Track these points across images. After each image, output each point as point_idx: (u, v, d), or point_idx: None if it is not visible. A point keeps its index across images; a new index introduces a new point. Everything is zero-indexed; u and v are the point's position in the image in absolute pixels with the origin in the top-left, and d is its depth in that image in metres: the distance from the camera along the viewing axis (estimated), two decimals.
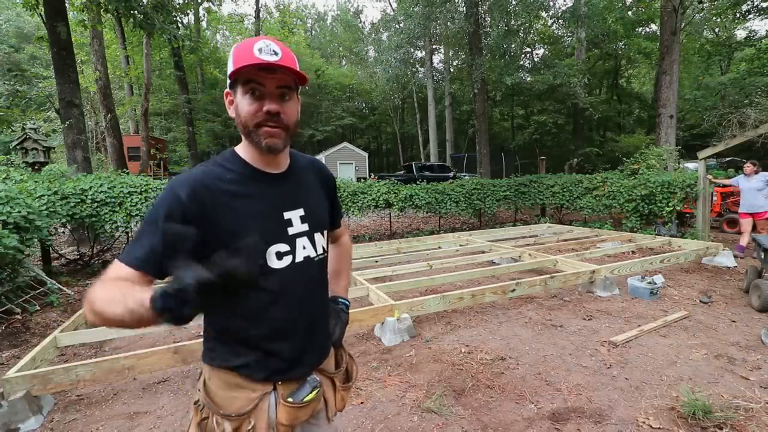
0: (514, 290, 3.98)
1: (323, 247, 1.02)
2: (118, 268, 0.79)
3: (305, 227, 0.96)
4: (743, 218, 5.99)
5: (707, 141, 12.20)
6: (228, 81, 0.90)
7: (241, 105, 0.87)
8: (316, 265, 0.99)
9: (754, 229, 5.90)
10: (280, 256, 0.90)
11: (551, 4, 13.16)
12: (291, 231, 0.93)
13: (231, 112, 0.91)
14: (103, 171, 13.64)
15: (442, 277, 4.48)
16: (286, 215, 0.93)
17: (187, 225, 0.75)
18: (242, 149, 0.94)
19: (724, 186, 7.48)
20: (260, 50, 0.83)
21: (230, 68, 0.86)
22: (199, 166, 0.90)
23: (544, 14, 14.21)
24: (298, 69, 0.87)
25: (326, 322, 1.06)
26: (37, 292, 4.27)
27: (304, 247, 0.95)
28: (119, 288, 0.73)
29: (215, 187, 0.86)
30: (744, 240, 5.91)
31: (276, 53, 0.84)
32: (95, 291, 0.73)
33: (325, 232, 1.04)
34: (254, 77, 0.85)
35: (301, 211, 0.95)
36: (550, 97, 21.24)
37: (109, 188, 5.89)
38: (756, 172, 5.87)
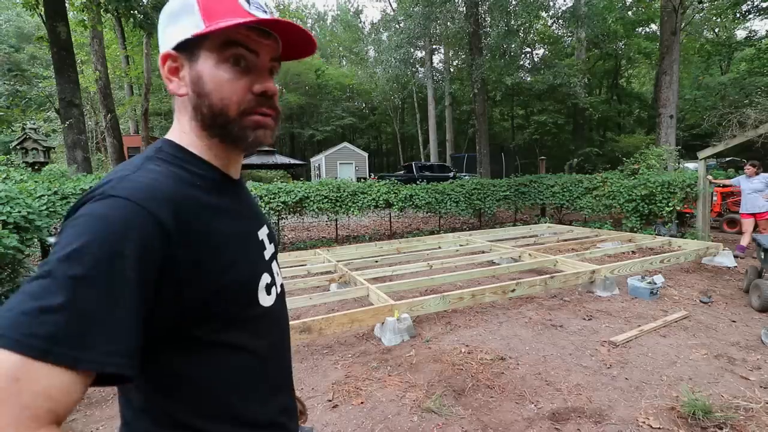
0: (514, 290, 3.98)
1: None
2: (43, 378, 0.40)
3: (272, 248, 0.73)
4: (745, 218, 6.00)
5: (707, 141, 12.21)
6: (172, 40, 0.59)
7: (214, 78, 0.58)
8: (284, 292, 0.77)
9: (756, 229, 5.91)
10: (268, 289, 0.66)
11: (551, 4, 13.17)
12: (266, 255, 0.69)
13: (179, 88, 0.60)
14: (103, 171, 13.65)
15: (442, 277, 4.48)
16: (259, 234, 0.69)
17: (167, 262, 0.50)
18: (193, 144, 0.62)
19: (725, 186, 7.49)
20: (248, 1, 0.58)
21: (188, 18, 0.57)
22: (145, 167, 0.56)
23: (544, 14, 14.19)
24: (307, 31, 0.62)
25: None
26: None
27: (277, 274, 0.72)
28: None
29: (193, 200, 0.56)
30: (745, 240, 5.92)
31: (266, 11, 0.60)
32: None
33: None
34: (244, 41, 0.58)
35: (265, 229, 0.72)
36: (550, 97, 21.22)
37: None
38: (757, 173, 5.88)
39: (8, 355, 0.39)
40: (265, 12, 0.59)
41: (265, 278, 0.66)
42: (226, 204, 0.62)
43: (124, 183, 0.51)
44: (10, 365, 0.39)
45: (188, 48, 0.58)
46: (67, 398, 0.42)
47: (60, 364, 0.40)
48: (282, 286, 0.75)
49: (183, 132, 0.63)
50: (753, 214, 5.87)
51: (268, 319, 0.66)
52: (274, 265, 0.72)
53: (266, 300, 0.65)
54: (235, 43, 0.58)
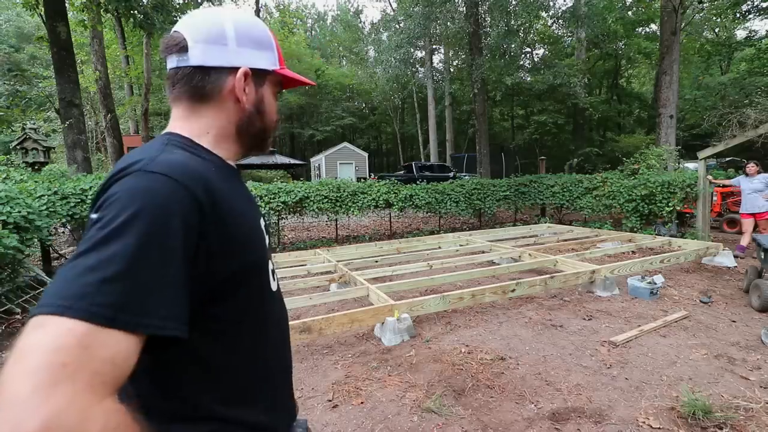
0: (514, 290, 3.98)
1: None
2: (110, 343, 0.42)
3: (268, 239, 0.76)
4: (745, 218, 5.99)
5: (707, 141, 12.20)
6: (252, 62, 0.69)
7: (270, 103, 0.73)
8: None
9: (756, 229, 5.90)
10: (273, 274, 0.73)
11: (551, 4, 13.16)
12: (266, 243, 0.73)
13: (246, 100, 0.69)
14: (103, 171, 13.65)
15: (442, 277, 4.48)
16: (261, 223, 0.73)
17: (201, 238, 0.53)
18: (203, 137, 0.67)
19: (725, 186, 7.49)
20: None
21: (270, 53, 0.72)
22: (170, 150, 0.59)
23: (544, 14, 14.18)
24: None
25: None
26: (37, 292, 4.27)
27: (275, 263, 0.81)
28: None
29: (215, 181, 0.59)
30: (745, 240, 5.91)
31: None
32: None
33: None
34: (286, 87, 0.79)
35: (262, 219, 0.75)
36: (550, 97, 21.22)
37: None
38: (758, 173, 5.87)
39: (78, 324, 0.41)
40: None
41: (270, 264, 0.72)
42: (238, 189, 0.68)
43: (158, 161, 0.54)
44: (80, 334, 0.40)
45: (259, 74, 0.71)
46: (127, 364, 0.44)
47: (124, 329, 0.43)
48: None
49: (196, 128, 0.67)
50: (753, 214, 5.86)
51: (277, 302, 0.73)
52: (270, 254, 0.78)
53: (273, 284, 0.72)
54: (281, 84, 0.77)
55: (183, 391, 0.58)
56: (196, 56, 0.65)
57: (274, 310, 0.71)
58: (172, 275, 0.48)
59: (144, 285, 0.45)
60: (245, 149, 0.74)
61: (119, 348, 0.43)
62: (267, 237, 0.76)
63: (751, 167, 5.93)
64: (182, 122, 0.67)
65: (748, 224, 5.94)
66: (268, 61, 0.71)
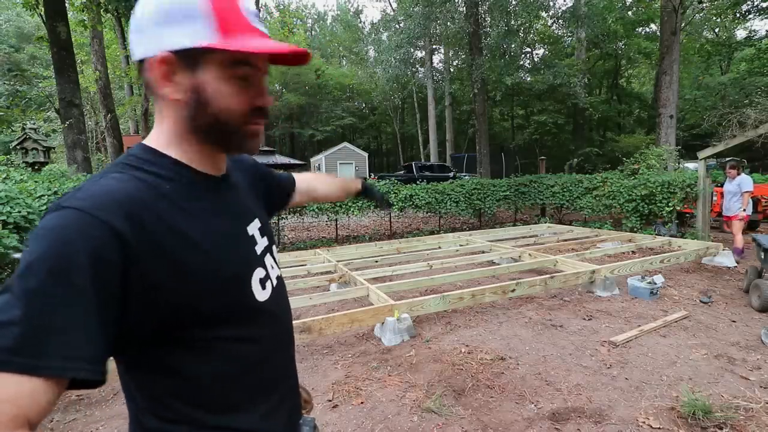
0: (514, 290, 3.98)
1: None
2: (7, 385, 0.43)
3: (266, 241, 0.73)
4: (726, 220, 6.09)
5: (707, 141, 12.20)
6: (170, 43, 0.55)
7: (220, 91, 0.57)
8: (284, 284, 0.78)
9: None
10: (263, 283, 0.67)
11: (551, 4, 13.18)
12: (258, 249, 0.69)
13: (173, 93, 0.57)
14: None
15: (442, 277, 4.48)
16: (249, 230, 0.69)
17: (131, 269, 0.49)
18: (171, 146, 0.61)
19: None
20: (249, 12, 0.58)
21: (195, 25, 0.54)
22: (108, 175, 0.55)
23: (544, 14, 14.21)
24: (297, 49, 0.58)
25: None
26: None
27: (272, 267, 0.73)
28: None
29: (159, 203, 0.54)
30: (737, 241, 5.90)
31: (259, 16, 0.60)
32: None
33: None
34: (252, 59, 0.58)
35: (257, 222, 0.71)
36: (550, 97, 21.24)
37: None
38: (738, 174, 5.86)
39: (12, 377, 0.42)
40: (258, 17, 0.59)
41: (259, 273, 0.66)
42: (203, 203, 0.61)
43: (79, 193, 0.51)
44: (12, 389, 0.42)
45: (191, 55, 0.55)
46: (34, 402, 0.44)
47: (21, 373, 0.43)
48: (279, 278, 0.76)
49: (162, 134, 0.61)
50: (730, 217, 5.91)
51: (265, 313, 0.67)
52: (267, 258, 0.72)
53: (261, 294, 0.66)
54: (245, 63, 0.58)
55: (168, 402, 0.58)
56: (131, 49, 0.59)
57: (260, 321, 0.66)
58: (78, 314, 0.46)
59: (43, 327, 0.44)
60: (218, 146, 0.63)
61: (18, 389, 0.43)
62: (263, 241, 0.72)
63: (729, 171, 5.92)
64: (155, 126, 0.63)
65: (730, 225, 6.00)
66: (194, 35, 0.54)
